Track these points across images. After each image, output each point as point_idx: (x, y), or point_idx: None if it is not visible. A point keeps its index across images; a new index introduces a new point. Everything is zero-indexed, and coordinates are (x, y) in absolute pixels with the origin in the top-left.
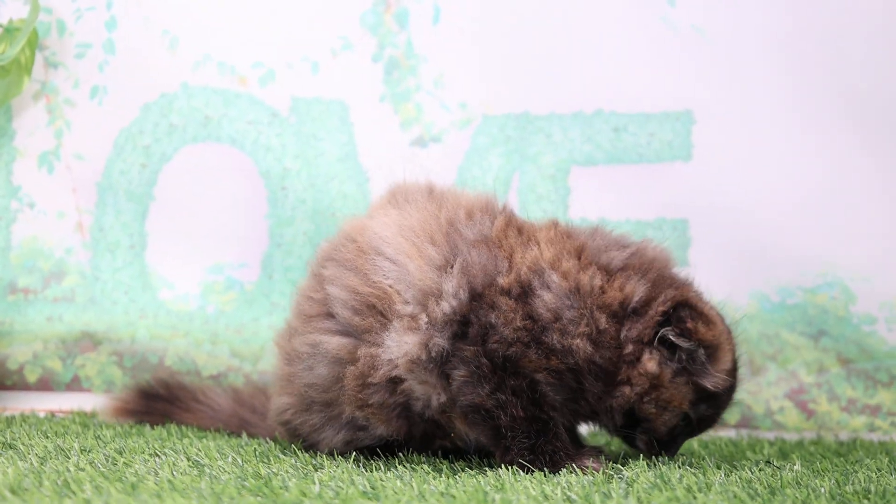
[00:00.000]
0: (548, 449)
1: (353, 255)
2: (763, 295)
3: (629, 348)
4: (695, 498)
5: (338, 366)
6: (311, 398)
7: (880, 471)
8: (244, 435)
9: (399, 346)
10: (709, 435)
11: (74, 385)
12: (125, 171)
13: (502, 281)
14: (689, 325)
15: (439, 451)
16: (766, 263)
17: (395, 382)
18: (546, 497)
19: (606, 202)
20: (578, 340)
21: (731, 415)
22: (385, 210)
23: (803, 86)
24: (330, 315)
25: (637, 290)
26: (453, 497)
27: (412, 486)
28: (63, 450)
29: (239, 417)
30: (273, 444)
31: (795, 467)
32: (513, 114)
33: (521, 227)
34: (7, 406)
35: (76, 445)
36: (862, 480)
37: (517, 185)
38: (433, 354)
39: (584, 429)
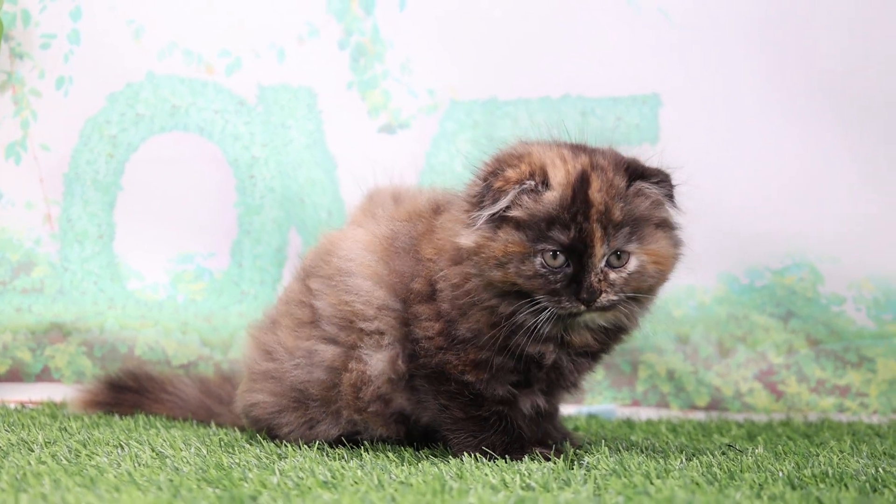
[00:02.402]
0: (493, 444)
1: (331, 271)
2: (732, 277)
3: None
4: (652, 484)
5: (334, 373)
6: (308, 393)
7: (843, 453)
8: (212, 424)
9: (375, 364)
10: (678, 417)
11: (44, 376)
12: (92, 161)
13: (416, 285)
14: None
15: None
16: (735, 245)
17: (385, 398)
18: (505, 484)
19: None
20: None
21: (700, 397)
22: (359, 222)
23: (771, 68)
24: (321, 323)
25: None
26: (411, 485)
27: (372, 475)
28: (27, 442)
29: (206, 407)
30: (239, 433)
31: (758, 450)
32: (480, 99)
33: (434, 221)
34: None
35: (40, 438)
36: (822, 463)
37: None
38: (400, 373)
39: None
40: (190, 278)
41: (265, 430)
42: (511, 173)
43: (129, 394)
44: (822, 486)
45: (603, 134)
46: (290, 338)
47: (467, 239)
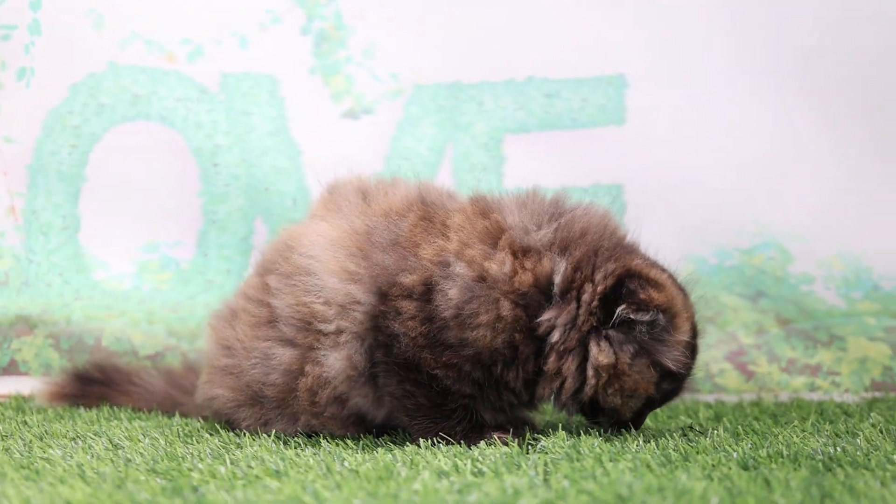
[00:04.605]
0: (452, 432)
1: (291, 269)
2: (700, 257)
3: (556, 336)
4: (602, 466)
5: (290, 376)
6: (263, 395)
7: (804, 432)
8: (177, 415)
9: (332, 364)
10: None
11: (12, 369)
12: (55, 152)
13: (405, 280)
14: (643, 295)
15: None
16: (703, 226)
17: (342, 399)
18: (457, 470)
19: (541, 169)
20: (476, 332)
21: (700, 384)
22: (322, 216)
23: (738, 47)
24: (278, 324)
25: (556, 268)
26: (357, 473)
27: (323, 463)
28: None
29: (172, 398)
30: (201, 423)
31: (718, 431)
32: (444, 83)
33: (433, 217)
34: None
35: None
36: (780, 443)
37: (451, 155)
38: (361, 368)
39: None
40: (155, 268)
41: (225, 421)
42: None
43: (95, 386)
44: (774, 466)
45: (569, 115)
46: (247, 336)
47: (604, 356)
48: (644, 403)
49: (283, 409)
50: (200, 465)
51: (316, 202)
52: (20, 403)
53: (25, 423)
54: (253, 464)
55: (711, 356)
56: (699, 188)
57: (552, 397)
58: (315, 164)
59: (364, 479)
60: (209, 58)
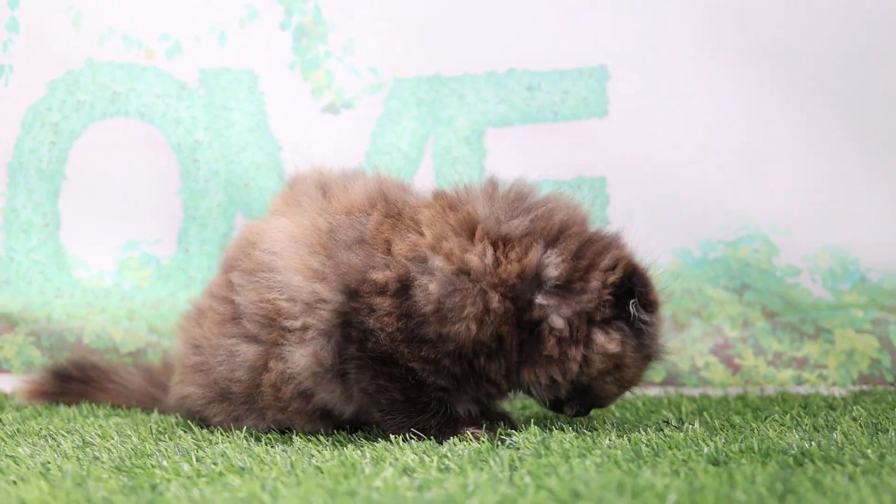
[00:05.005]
0: (427, 426)
1: (253, 265)
2: (685, 250)
3: (559, 323)
4: (567, 461)
5: (255, 373)
6: (231, 391)
7: (783, 426)
8: (155, 411)
9: (297, 360)
10: (633, 393)
11: None
12: (35, 149)
13: (377, 276)
14: (651, 296)
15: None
16: (687, 219)
17: (307, 394)
18: (424, 466)
19: (523, 163)
20: (459, 325)
21: (656, 372)
22: (282, 211)
23: (721, 37)
24: (242, 320)
25: (546, 259)
26: (321, 470)
27: (289, 461)
28: None
29: (150, 395)
30: (179, 419)
31: (694, 426)
32: (424, 76)
33: (401, 213)
34: None
35: None
36: (756, 438)
37: (432, 149)
38: (328, 364)
39: None
40: (136, 265)
41: (199, 419)
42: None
43: (74, 383)
44: (743, 461)
45: (551, 108)
46: (213, 334)
47: (614, 345)
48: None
49: (250, 405)
50: (165, 463)
51: (275, 197)
52: (1, 401)
53: (0, 421)
54: (218, 461)
55: (697, 349)
56: (683, 181)
57: (536, 385)
58: (295, 159)
59: (327, 476)
60: (188, 54)
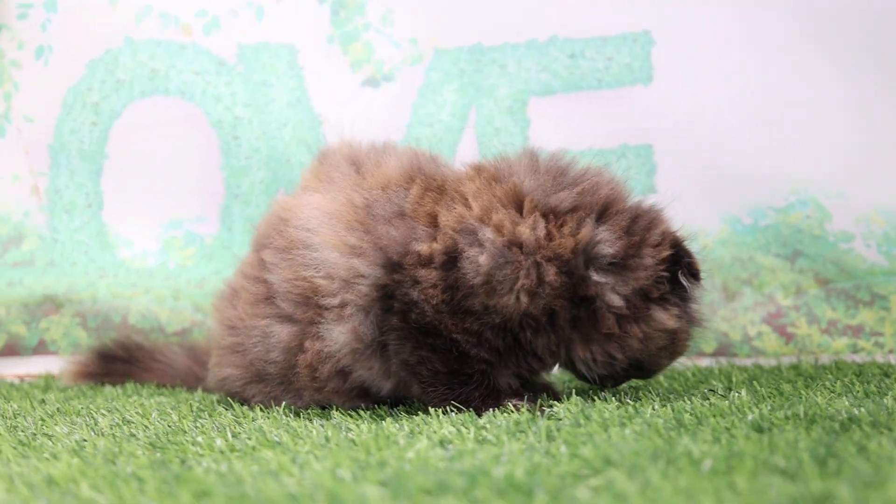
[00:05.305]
0: (470, 398)
1: (286, 243)
2: (734, 218)
3: (616, 301)
4: (606, 430)
5: (290, 353)
6: (267, 372)
7: (833, 393)
8: (199, 390)
9: (336, 338)
10: (682, 364)
11: (41, 349)
12: (76, 130)
13: (421, 248)
14: (697, 266)
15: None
16: (736, 185)
17: (344, 372)
18: (461, 437)
19: (567, 132)
20: (508, 297)
21: (706, 343)
22: (314, 187)
23: None
24: (276, 300)
25: (599, 235)
26: (354, 443)
27: (325, 434)
28: None
29: (195, 374)
30: (220, 397)
31: (741, 394)
32: (465, 46)
33: (443, 186)
34: None
35: (9, 409)
36: (804, 404)
37: (474, 120)
38: (367, 340)
39: None
40: (180, 244)
41: (239, 400)
42: None
43: (119, 364)
44: (787, 427)
45: (594, 76)
46: (247, 314)
47: (672, 319)
48: None
49: (286, 385)
50: (200, 439)
51: (306, 172)
52: (49, 383)
53: (43, 401)
54: (253, 436)
55: (749, 319)
56: (731, 147)
57: (591, 362)
58: (336, 133)
59: (360, 448)
60: (226, 29)
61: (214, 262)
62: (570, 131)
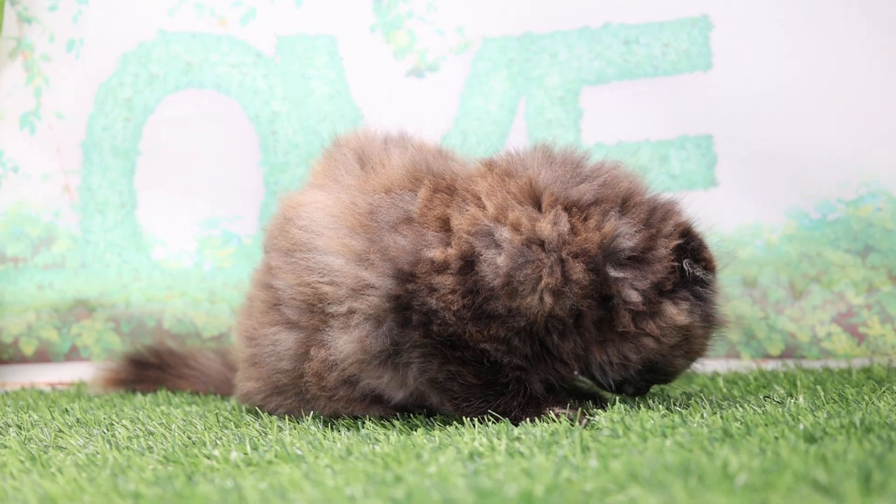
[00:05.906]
0: (508, 408)
1: (289, 245)
2: (801, 212)
3: (634, 296)
4: (644, 442)
5: (298, 361)
6: (281, 383)
7: None
8: (233, 398)
9: (341, 347)
10: (748, 368)
11: (73, 355)
12: (108, 126)
13: (434, 255)
14: (706, 253)
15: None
16: (802, 177)
17: (352, 381)
18: (492, 449)
19: (622, 122)
20: (531, 298)
21: (773, 344)
22: (320, 184)
23: None
24: (282, 306)
25: (621, 228)
26: (375, 456)
27: (346, 446)
28: (14, 426)
29: (229, 381)
30: (250, 406)
31: (798, 401)
32: (513, 35)
33: (453, 186)
34: (6, 381)
35: (27, 420)
36: (864, 411)
37: (524, 111)
38: (375, 351)
39: None
40: (217, 244)
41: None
42: None
43: (151, 370)
44: (839, 437)
45: (650, 63)
46: (259, 323)
47: (682, 315)
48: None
49: (300, 395)
50: (217, 452)
51: (314, 164)
52: (81, 391)
53: (66, 411)
54: (273, 449)
55: (817, 319)
56: (797, 136)
57: (607, 365)
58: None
59: (378, 462)
60: (262, 20)
61: (253, 262)
62: (625, 121)
